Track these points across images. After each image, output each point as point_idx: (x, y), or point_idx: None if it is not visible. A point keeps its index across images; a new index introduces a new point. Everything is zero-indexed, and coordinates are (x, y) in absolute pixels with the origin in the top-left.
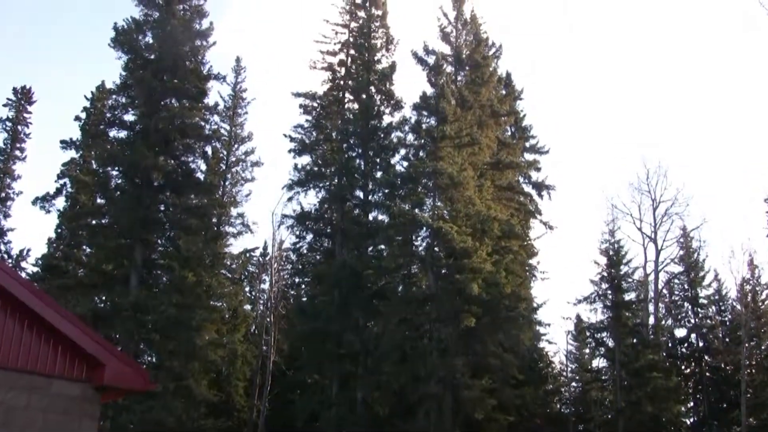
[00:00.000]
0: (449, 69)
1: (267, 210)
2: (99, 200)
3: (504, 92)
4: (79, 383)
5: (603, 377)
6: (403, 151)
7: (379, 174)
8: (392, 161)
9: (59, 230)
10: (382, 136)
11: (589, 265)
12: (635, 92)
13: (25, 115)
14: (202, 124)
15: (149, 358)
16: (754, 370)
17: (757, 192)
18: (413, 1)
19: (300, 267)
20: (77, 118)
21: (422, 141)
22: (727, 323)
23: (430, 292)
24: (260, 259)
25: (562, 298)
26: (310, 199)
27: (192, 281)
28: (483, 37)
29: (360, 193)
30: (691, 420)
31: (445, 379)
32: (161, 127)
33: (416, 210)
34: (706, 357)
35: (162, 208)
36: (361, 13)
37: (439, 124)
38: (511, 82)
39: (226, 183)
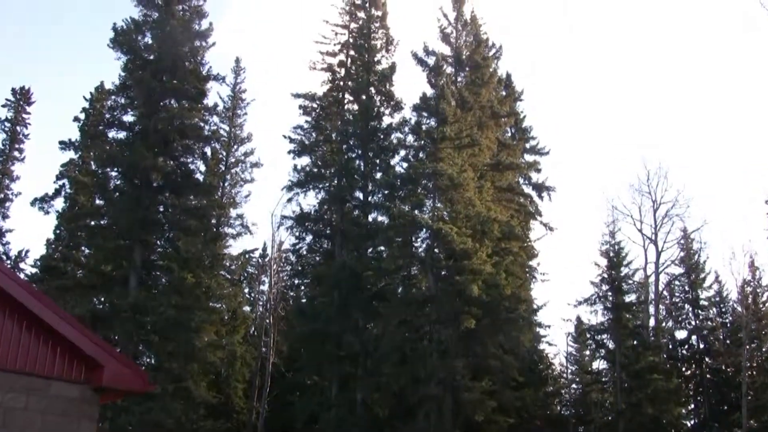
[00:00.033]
0: (449, 70)
1: (266, 211)
2: (98, 201)
3: (504, 93)
4: (78, 385)
5: (603, 379)
6: (402, 152)
7: (378, 175)
8: (392, 162)
9: (58, 231)
10: (381, 137)
11: (590, 266)
12: (635, 93)
13: (24, 115)
14: (202, 124)
15: (148, 360)
16: (754, 372)
17: (758, 193)
18: (413, 1)
19: (299, 268)
20: (76, 119)
21: (422, 142)
22: (728, 325)
23: (430, 293)
24: (260, 260)
25: (562, 299)
26: (310, 200)
27: (191, 282)
28: (483, 37)
29: (360, 195)
30: (692, 422)
31: (445, 380)
32: (160, 128)
33: (416, 211)
34: (707, 359)
35: (161, 209)
36: (361, 14)
37: (439, 125)
38: (511, 83)
39: (226, 184)
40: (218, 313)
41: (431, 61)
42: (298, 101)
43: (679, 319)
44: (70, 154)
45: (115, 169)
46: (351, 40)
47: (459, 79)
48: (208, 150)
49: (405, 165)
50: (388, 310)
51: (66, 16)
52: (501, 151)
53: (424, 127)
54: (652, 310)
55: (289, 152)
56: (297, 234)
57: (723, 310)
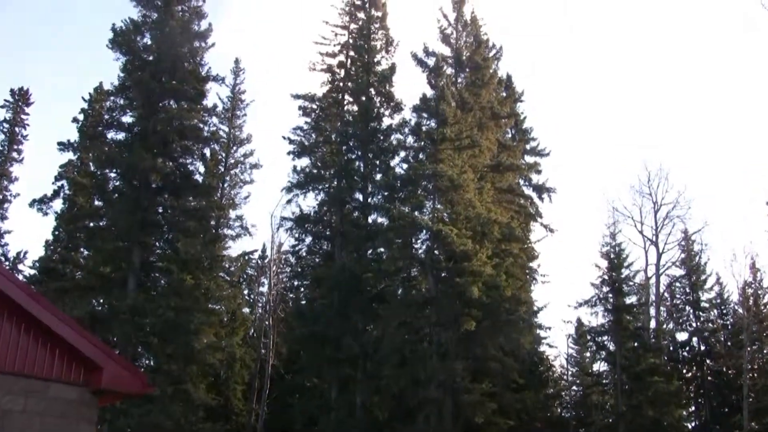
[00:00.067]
0: (449, 71)
1: (266, 212)
2: (97, 202)
3: (504, 94)
4: (77, 387)
5: (604, 381)
6: (402, 154)
7: (378, 176)
8: (392, 163)
9: (57, 233)
10: (381, 138)
11: (590, 268)
12: (636, 94)
13: (23, 116)
14: (201, 126)
15: (147, 362)
16: (756, 374)
17: (758, 193)
18: (413, 2)
19: (299, 270)
20: (75, 120)
21: (422, 143)
22: (729, 327)
23: (430, 295)
24: (259, 261)
25: (562, 301)
26: (310, 202)
27: (190, 284)
28: (483, 38)
29: (359, 196)
30: (693, 424)
31: (445, 383)
32: (159, 129)
33: (416, 212)
34: (708, 361)
35: (160, 211)
36: (361, 15)
37: (439, 127)
38: (511, 84)
39: (225, 185)
40: (217, 314)
41: (431, 61)
42: (298, 102)
43: (680, 321)
44: (69, 156)
45: (114, 170)
46: (351, 41)
47: (459, 80)
48: (207, 151)
49: (405, 166)
50: (388, 312)
51: (65, 17)
52: (501, 153)
53: (424, 128)
54: (652, 311)
55: (289, 153)
56: (296, 235)
57: (724, 311)
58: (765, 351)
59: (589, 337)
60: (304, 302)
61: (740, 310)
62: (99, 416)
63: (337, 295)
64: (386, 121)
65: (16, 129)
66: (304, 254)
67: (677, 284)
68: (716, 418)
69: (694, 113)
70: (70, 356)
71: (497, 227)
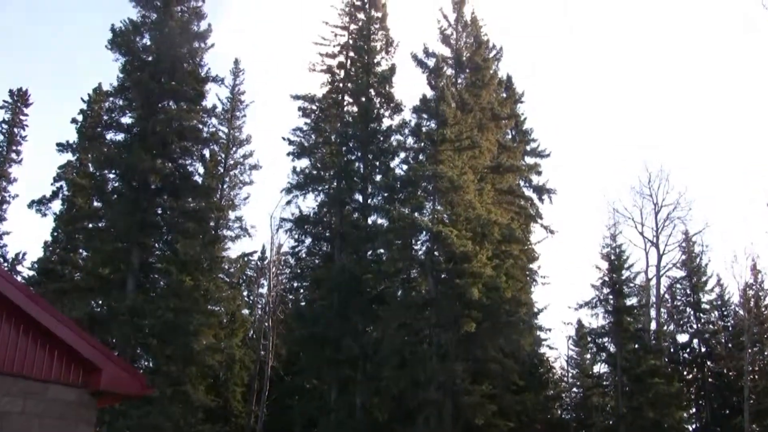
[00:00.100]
0: (449, 71)
1: (265, 213)
2: (96, 203)
3: (504, 95)
4: (76, 388)
5: (604, 383)
6: (402, 155)
7: (378, 177)
8: (392, 164)
9: (55, 234)
10: (381, 139)
11: (591, 269)
12: (636, 94)
13: (21, 117)
14: (200, 126)
15: (146, 363)
16: (757, 376)
17: (759, 194)
18: (413, 3)
19: (298, 271)
20: (74, 121)
21: (422, 144)
22: (730, 328)
23: (430, 296)
24: (258, 263)
25: (563, 302)
26: (309, 203)
27: (189, 285)
28: (483, 39)
29: (359, 197)
30: (694, 426)
31: (445, 384)
32: (159, 130)
33: (416, 214)
34: (709, 362)
35: (159, 212)
36: (361, 15)
37: (439, 127)
38: (511, 84)
39: (224, 186)
40: (217, 316)
41: (431, 62)
42: (298, 103)
43: (681, 322)
44: (68, 156)
45: (113, 171)
46: (351, 42)
47: (459, 80)
48: (206, 152)
49: (405, 167)
50: (388, 314)
51: (64, 17)
52: (501, 154)
53: (424, 129)
54: (653, 313)
55: (289, 154)
56: (296, 237)
57: (725, 313)
58: (766, 353)
59: (589, 339)
60: (303, 303)
61: (741, 312)
62: (98, 418)
63: (337, 297)
64: (386, 122)
65: (15, 130)
66: (304, 255)
67: (678, 286)
68: (717, 420)
69: (694, 114)
70: (69, 357)
71: (497, 228)
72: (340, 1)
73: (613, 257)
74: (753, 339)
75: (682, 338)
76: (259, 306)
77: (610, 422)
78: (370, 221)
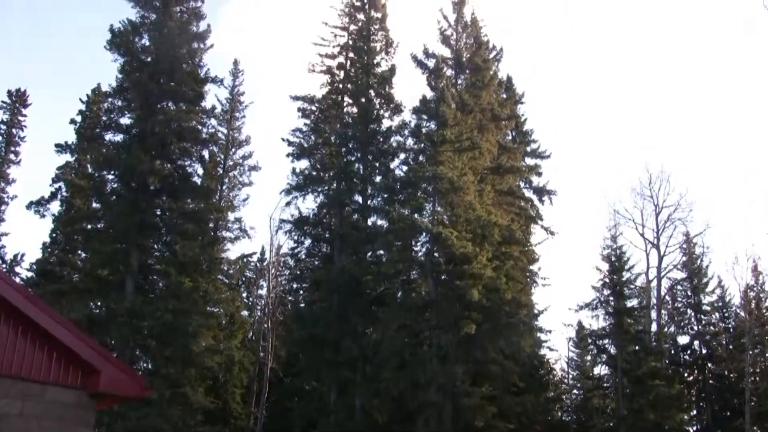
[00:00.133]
0: (449, 72)
1: (265, 215)
2: (94, 204)
3: (505, 96)
4: (74, 390)
5: (605, 384)
6: (402, 156)
7: (378, 178)
8: (391, 165)
9: (54, 235)
10: (381, 140)
11: (591, 271)
12: (636, 95)
13: (20, 118)
14: (199, 127)
15: (145, 365)
16: (758, 378)
17: (759, 195)
18: (413, 3)
19: (298, 272)
20: (72, 122)
21: (422, 145)
22: (731, 330)
23: (430, 298)
24: (258, 264)
25: (563, 304)
26: (309, 204)
27: (188, 287)
28: (483, 40)
29: (359, 198)
30: (695, 428)
31: (445, 386)
32: (158, 131)
33: (416, 215)
34: (710, 364)
35: (158, 213)
36: (361, 16)
37: (439, 128)
38: (511, 85)
39: (224, 187)
40: (216, 317)
41: (431, 63)
42: (297, 104)
43: (682, 324)
44: (67, 157)
45: (112, 172)
46: (350, 42)
47: (459, 81)
48: (205, 153)
49: (405, 168)
50: (388, 315)
51: (62, 18)
52: (501, 155)
53: (423, 130)
54: (654, 315)
55: (288, 155)
56: (296, 238)
57: (726, 315)
58: (767, 354)
59: (589, 341)
60: (303, 305)
61: (742, 314)
62: (96, 420)
63: (337, 298)
64: (386, 123)
65: (14, 130)
66: (303, 257)
67: (678, 287)
68: (718, 422)
69: (694, 114)
70: (68, 359)
71: (497, 230)
72: (339, 2)
73: (613, 259)
74: (754, 341)
75: (683, 340)
76: (259, 307)
77: (611, 424)
78: (369, 222)
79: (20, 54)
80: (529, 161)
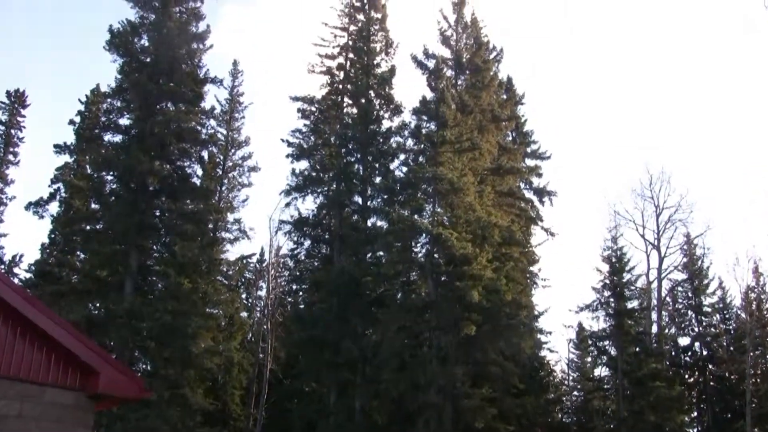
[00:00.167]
0: (449, 73)
1: (264, 216)
2: (93, 205)
3: (505, 97)
4: (73, 391)
5: (605, 386)
6: (402, 156)
7: (378, 179)
8: (391, 166)
9: (53, 236)
10: (381, 140)
11: (591, 272)
12: (637, 95)
13: (19, 118)
14: (199, 128)
15: (144, 366)
16: (759, 380)
17: (759, 195)
18: (413, 4)
19: (297, 274)
20: (71, 122)
21: (422, 146)
22: (732, 332)
23: (430, 299)
24: (257, 265)
25: (563, 305)
26: (308, 205)
27: (188, 288)
28: (483, 40)
29: (359, 199)
30: (695, 430)
31: (445, 387)
32: (157, 132)
33: (416, 216)
34: (710, 366)
35: (157, 214)
36: (361, 17)
37: (439, 129)
38: (512, 86)
39: (223, 188)
40: (215, 319)
41: (431, 64)
42: (297, 104)
43: (682, 325)
44: (66, 158)
45: (111, 172)
46: (350, 43)
47: (459, 82)
48: (205, 154)
49: (404, 169)
50: (387, 316)
51: (61, 18)
52: (502, 156)
53: (423, 130)
54: (654, 316)
55: (288, 156)
56: (295, 239)
57: (726, 316)
58: None
59: (590, 342)
60: (302, 306)
61: (743, 315)
62: (95, 421)
63: (336, 299)
64: (386, 124)
65: (12, 131)
66: (303, 258)
67: (679, 288)
68: (718, 423)
69: (694, 114)
70: (67, 360)
71: (497, 231)
72: (339, 3)
73: (614, 260)
74: (755, 342)
75: (684, 341)
76: (258, 309)
77: (611, 426)
78: (369, 223)
79: (20, 54)
80: (530, 162)
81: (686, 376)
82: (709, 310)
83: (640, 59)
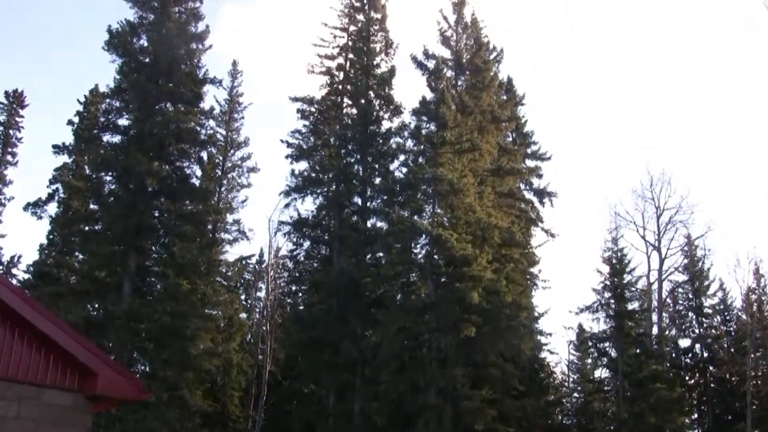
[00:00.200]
0: (449, 73)
1: (263, 217)
2: (92, 206)
3: (505, 97)
4: (71, 393)
5: (605, 388)
6: (402, 157)
7: (377, 180)
8: (391, 167)
9: (51, 236)
10: (380, 141)
11: (592, 273)
12: (637, 95)
13: (17, 119)
14: (198, 128)
15: (143, 367)
16: (759, 381)
17: (759, 195)
18: (413, 4)
19: (297, 275)
20: (70, 123)
21: (422, 147)
22: (732, 333)
23: (430, 300)
24: (256, 266)
25: (563, 307)
26: (308, 206)
27: (186, 289)
28: (483, 41)
29: (358, 200)
30: None
31: (445, 389)
32: (156, 132)
33: (415, 217)
34: (711, 367)
35: (156, 215)
36: (360, 17)
37: (438, 130)
38: (512, 87)
39: (222, 189)
40: (214, 320)
41: (431, 64)
42: (296, 105)
43: (683, 327)
44: (64, 159)
45: (110, 173)
46: (350, 43)
47: (459, 82)
48: (204, 154)
49: (404, 170)
50: (387, 318)
51: (60, 18)
52: (502, 156)
53: (423, 131)
54: (655, 318)
55: (287, 157)
56: (294, 240)
57: (727, 318)
58: None
59: (590, 344)
60: (302, 307)
61: (744, 317)
62: (94, 422)
63: (336, 300)
64: (385, 125)
65: (11, 131)
66: (302, 259)
67: (680, 290)
68: (719, 425)
69: (694, 114)
70: (65, 362)
71: (497, 232)
72: (339, 3)
73: (614, 261)
74: (756, 344)
75: (684, 343)
76: (257, 310)
77: (612, 428)
78: (369, 224)
79: (19, 54)
80: (530, 163)
81: (687, 378)
82: (709, 311)
83: (640, 59)
